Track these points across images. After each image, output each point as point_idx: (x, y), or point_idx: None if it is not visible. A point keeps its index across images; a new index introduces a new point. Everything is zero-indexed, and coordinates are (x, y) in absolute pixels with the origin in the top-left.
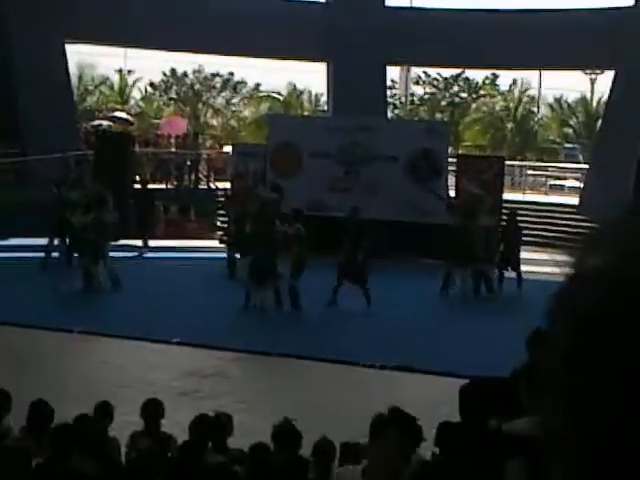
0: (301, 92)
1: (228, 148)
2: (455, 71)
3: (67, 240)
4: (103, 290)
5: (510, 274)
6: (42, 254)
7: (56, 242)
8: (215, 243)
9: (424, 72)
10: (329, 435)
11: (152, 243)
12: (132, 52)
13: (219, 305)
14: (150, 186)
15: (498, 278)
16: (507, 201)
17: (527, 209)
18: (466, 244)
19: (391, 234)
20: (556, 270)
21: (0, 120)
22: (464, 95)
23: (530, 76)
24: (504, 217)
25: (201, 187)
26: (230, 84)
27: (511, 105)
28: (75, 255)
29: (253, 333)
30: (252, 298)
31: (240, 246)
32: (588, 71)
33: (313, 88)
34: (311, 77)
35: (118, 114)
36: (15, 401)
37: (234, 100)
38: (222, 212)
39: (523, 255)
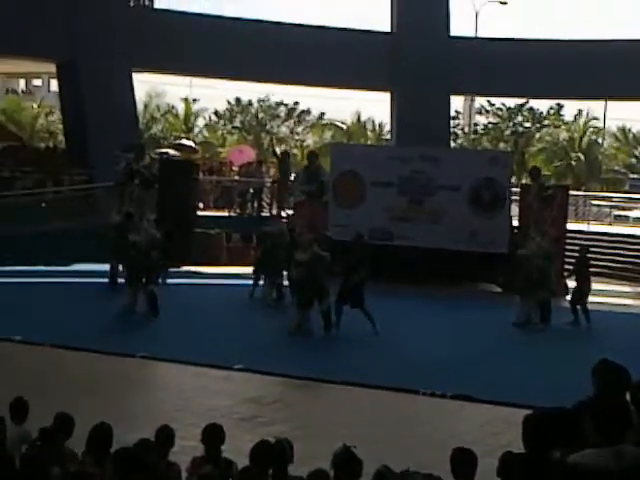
0: (365, 121)
1: (291, 177)
2: (519, 101)
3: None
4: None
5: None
6: (106, 279)
7: (121, 267)
8: None
9: (488, 101)
10: (389, 464)
11: (214, 270)
12: (198, 81)
13: (280, 331)
14: (213, 213)
15: (572, 312)
16: (571, 231)
17: (592, 239)
18: (529, 273)
19: (453, 263)
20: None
21: (70, 148)
22: (528, 125)
23: (594, 106)
24: (571, 249)
25: (264, 214)
26: (294, 113)
27: (576, 135)
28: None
29: (311, 359)
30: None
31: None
32: None
33: (377, 117)
34: (375, 106)
35: (183, 142)
36: (76, 425)
37: (298, 129)
38: None
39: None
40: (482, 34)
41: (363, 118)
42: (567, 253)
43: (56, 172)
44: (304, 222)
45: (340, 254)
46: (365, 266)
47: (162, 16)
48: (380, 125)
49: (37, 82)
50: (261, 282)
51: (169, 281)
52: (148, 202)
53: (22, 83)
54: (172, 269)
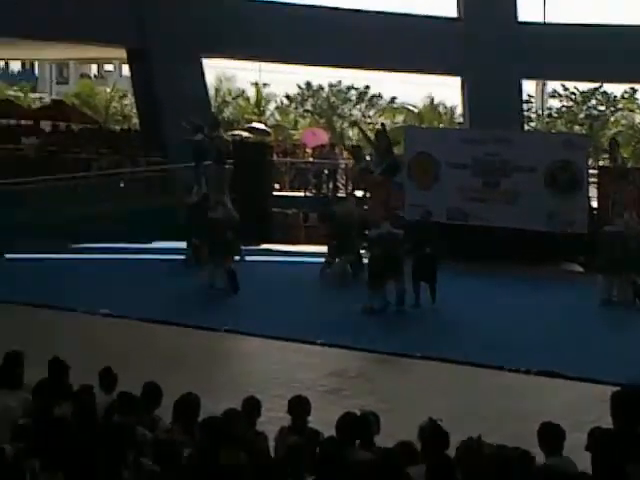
0: (436, 105)
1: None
2: (592, 85)
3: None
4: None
5: None
6: (184, 257)
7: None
8: None
9: (562, 85)
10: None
11: (293, 248)
12: (267, 66)
13: (357, 307)
14: (289, 194)
15: None
16: None
17: None
18: (612, 251)
19: (532, 243)
20: None
21: (145, 130)
22: (602, 108)
23: None
24: None
25: (340, 195)
26: (366, 97)
27: None
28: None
29: (391, 335)
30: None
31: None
32: None
33: (448, 101)
34: (447, 90)
35: (255, 125)
36: (164, 397)
37: (370, 113)
38: None
39: None
40: (550, 19)
41: (436, 102)
42: None
43: (132, 154)
44: (379, 202)
45: (409, 232)
46: (433, 243)
47: (233, 2)
48: (452, 109)
49: (109, 67)
50: (336, 260)
51: (249, 258)
52: (225, 178)
53: (94, 68)
54: (252, 247)
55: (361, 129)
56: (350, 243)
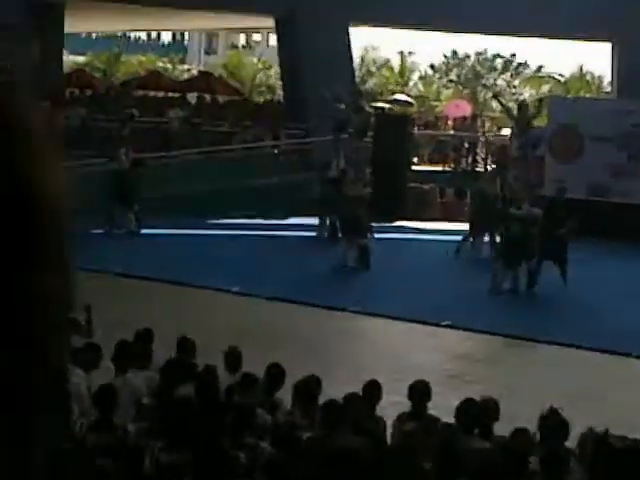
0: (584, 74)
1: (507, 131)
2: None
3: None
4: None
5: None
6: (315, 232)
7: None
8: None
9: None
10: (597, 426)
11: (427, 225)
12: (413, 34)
13: (485, 288)
14: (428, 168)
15: None
16: None
17: None
18: None
19: None
20: None
21: (288, 102)
22: None
23: None
24: None
25: (478, 170)
26: (512, 66)
27: None
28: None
29: (519, 317)
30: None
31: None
32: None
33: (597, 70)
34: (596, 58)
35: (398, 96)
36: (289, 376)
37: (515, 82)
38: None
39: None
40: None
41: (585, 71)
42: None
43: (274, 126)
44: (520, 178)
45: (545, 209)
46: (568, 221)
47: None
48: (599, 78)
49: (257, 37)
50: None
51: (381, 236)
52: (363, 154)
53: (242, 38)
54: (386, 224)
55: (501, 102)
56: (489, 222)
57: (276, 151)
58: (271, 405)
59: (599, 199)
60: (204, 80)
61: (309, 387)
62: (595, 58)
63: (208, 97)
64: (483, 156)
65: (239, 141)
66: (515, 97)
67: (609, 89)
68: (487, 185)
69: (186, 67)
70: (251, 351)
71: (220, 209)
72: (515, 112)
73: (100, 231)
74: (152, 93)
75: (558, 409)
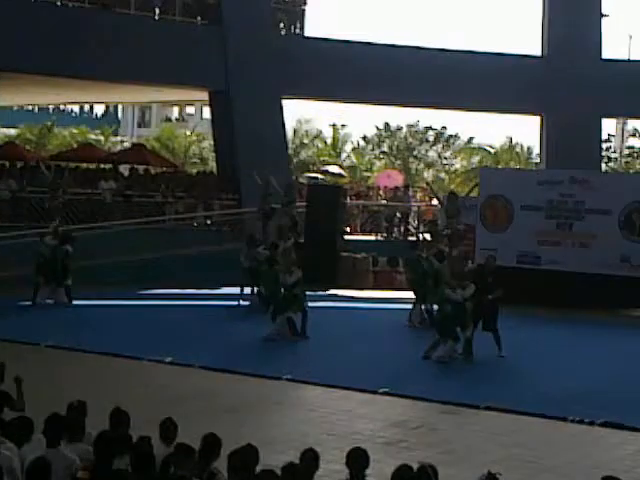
0: (513, 145)
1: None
2: None
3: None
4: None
5: None
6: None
7: (247, 290)
8: None
9: None
10: None
11: (360, 293)
12: (346, 107)
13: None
14: (360, 237)
15: None
16: None
17: None
18: None
19: (605, 287)
20: None
21: (221, 173)
22: None
23: None
24: None
25: (410, 239)
26: (443, 137)
27: None
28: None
29: (455, 385)
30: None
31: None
32: None
33: (525, 141)
34: (525, 130)
35: (330, 168)
36: (224, 446)
37: (446, 153)
38: None
39: None
40: (635, 57)
41: (511, 143)
42: None
43: (207, 197)
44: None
45: (475, 278)
46: (498, 288)
47: (312, 44)
48: (528, 149)
49: (190, 110)
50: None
51: (315, 304)
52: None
53: (176, 111)
54: (318, 292)
55: (432, 188)
56: (425, 291)
57: (209, 222)
58: (208, 476)
59: (529, 267)
60: (137, 152)
61: (245, 457)
62: (524, 130)
63: (141, 169)
64: (415, 225)
65: (172, 212)
66: (446, 168)
67: (538, 160)
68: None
69: (119, 139)
70: (186, 421)
71: (153, 279)
72: (444, 201)
73: (29, 303)
74: (84, 165)
75: (496, 474)
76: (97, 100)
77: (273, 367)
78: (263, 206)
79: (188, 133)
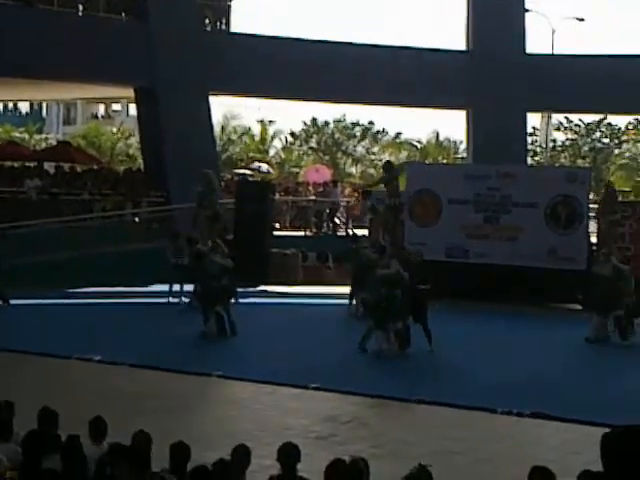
0: (442, 140)
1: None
2: (597, 117)
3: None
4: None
5: None
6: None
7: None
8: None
9: (566, 118)
10: None
11: (291, 289)
12: (275, 103)
13: (355, 349)
14: (290, 233)
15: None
16: None
17: None
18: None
19: (532, 280)
20: None
21: (148, 170)
22: (606, 141)
23: None
24: None
25: (339, 234)
26: (370, 133)
27: None
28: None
29: (386, 378)
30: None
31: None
32: None
33: (454, 136)
34: (452, 125)
35: (257, 165)
36: (154, 443)
37: (374, 149)
38: None
39: None
40: (559, 51)
41: (441, 137)
42: None
43: (134, 194)
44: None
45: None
46: (426, 282)
47: (238, 40)
48: (455, 144)
49: (116, 107)
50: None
51: (245, 300)
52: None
53: (102, 108)
54: (248, 288)
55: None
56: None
57: (137, 219)
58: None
59: (457, 260)
60: (62, 150)
61: (178, 453)
62: (451, 125)
63: (67, 166)
64: (344, 220)
65: (99, 209)
66: (374, 163)
67: (465, 155)
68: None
69: (44, 136)
70: (116, 419)
71: (81, 278)
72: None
73: None
74: (9, 163)
75: (427, 466)
76: (21, 98)
77: (204, 364)
78: (207, 206)
79: (114, 130)
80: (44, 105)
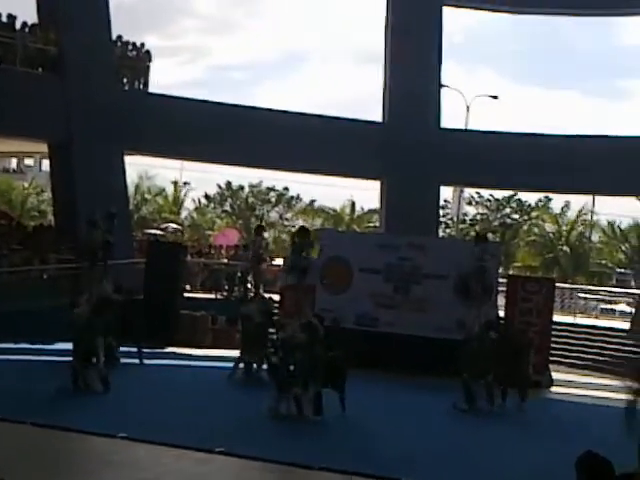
0: (356, 208)
1: (279, 261)
2: (508, 192)
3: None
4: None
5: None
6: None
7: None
8: None
9: (477, 192)
10: None
11: (198, 352)
12: (189, 164)
13: (262, 413)
14: (200, 295)
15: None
16: (557, 323)
17: (578, 332)
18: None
19: (439, 351)
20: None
21: (59, 227)
22: (516, 216)
23: (585, 199)
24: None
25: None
26: (285, 198)
27: (564, 228)
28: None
29: (293, 443)
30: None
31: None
32: None
33: (366, 205)
34: (367, 193)
35: (169, 225)
36: None
37: (287, 215)
38: None
39: (575, 378)
40: (473, 127)
41: (352, 205)
42: (553, 345)
43: (43, 250)
44: (292, 306)
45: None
46: (340, 349)
47: (155, 100)
48: (369, 212)
49: (29, 161)
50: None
51: (152, 362)
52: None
53: (14, 162)
54: (156, 349)
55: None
56: (257, 345)
57: (45, 275)
58: None
59: (367, 329)
60: None
61: None
62: (367, 194)
63: None
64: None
65: (6, 265)
66: (287, 229)
67: (378, 223)
68: (255, 309)
69: None
70: None
71: None
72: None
73: None
74: None
75: None
76: None
77: (107, 425)
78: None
79: (26, 185)
80: None
